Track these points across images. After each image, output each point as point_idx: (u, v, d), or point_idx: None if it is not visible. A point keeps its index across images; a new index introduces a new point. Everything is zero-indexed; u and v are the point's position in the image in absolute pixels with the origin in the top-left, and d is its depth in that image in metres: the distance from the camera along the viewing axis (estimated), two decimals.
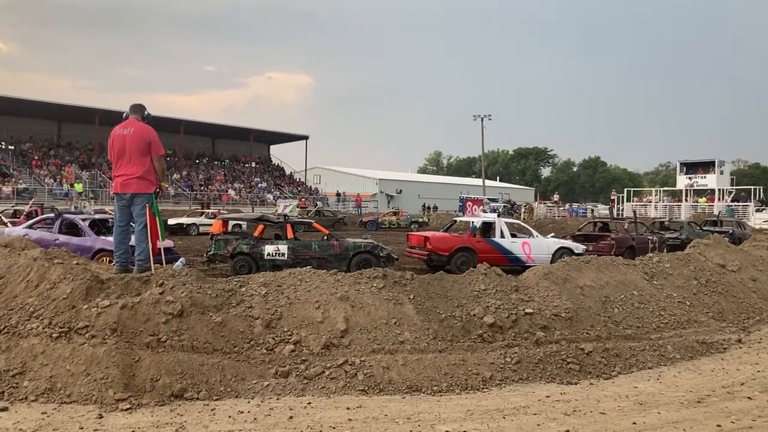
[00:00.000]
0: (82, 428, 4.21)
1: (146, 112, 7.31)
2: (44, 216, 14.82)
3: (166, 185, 9.03)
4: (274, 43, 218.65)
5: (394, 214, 37.54)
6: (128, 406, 4.62)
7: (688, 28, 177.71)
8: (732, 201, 44.93)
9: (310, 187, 60.55)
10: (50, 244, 11.01)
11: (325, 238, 12.99)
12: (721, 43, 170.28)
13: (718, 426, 4.55)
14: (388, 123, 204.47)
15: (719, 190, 46.73)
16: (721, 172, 48.23)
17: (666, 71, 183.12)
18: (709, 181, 47.92)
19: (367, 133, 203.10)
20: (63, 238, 11.90)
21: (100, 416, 4.44)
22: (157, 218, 7.39)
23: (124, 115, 7.25)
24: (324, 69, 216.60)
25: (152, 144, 7.10)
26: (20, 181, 38.85)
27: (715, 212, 36.24)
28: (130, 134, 7.02)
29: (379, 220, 35.17)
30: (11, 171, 40.23)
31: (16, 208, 24.43)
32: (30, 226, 13.19)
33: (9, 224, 16.74)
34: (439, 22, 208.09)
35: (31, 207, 21.84)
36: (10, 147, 44.10)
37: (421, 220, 36.90)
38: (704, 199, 47.75)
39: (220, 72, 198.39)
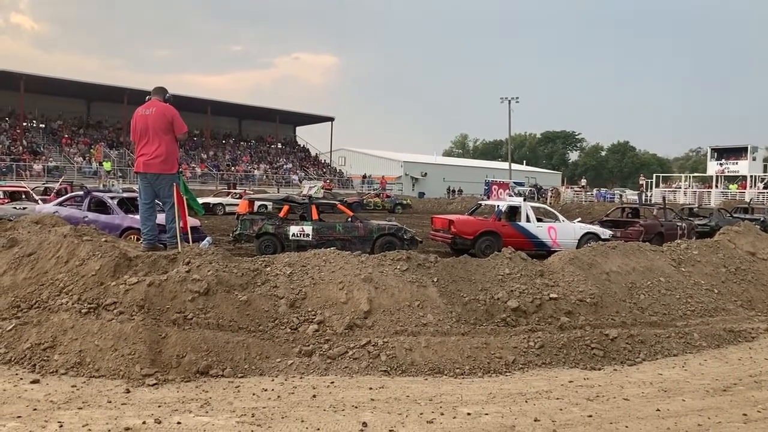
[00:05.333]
0: (110, 402, 4.30)
1: (168, 95, 7.46)
2: (74, 194, 15.04)
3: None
4: (301, 22, 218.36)
5: (377, 195, 38.25)
6: (155, 381, 4.70)
7: (722, 10, 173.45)
8: (765, 188, 44.08)
9: (335, 168, 60.64)
10: (79, 221, 11.18)
11: (350, 219, 13.03)
12: (755, 25, 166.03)
13: (744, 415, 4.49)
14: (414, 105, 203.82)
15: (751, 176, 45.85)
16: (754, 159, 47.31)
17: (698, 54, 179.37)
18: (741, 167, 47.07)
19: (392, 115, 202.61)
20: (92, 215, 12.08)
21: (128, 391, 4.53)
22: (184, 197, 7.48)
23: (147, 97, 7.38)
24: (350, 50, 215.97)
25: (174, 121, 7.22)
26: (50, 159, 39.53)
27: (746, 199, 35.60)
28: (152, 114, 7.15)
29: (364, 201, 35.81)
30: (42, 149, 40.91)
31: (46, 185, 24.86)
32: (60, 204, 13.40)
33: (39, 201, 17.04)
34: (466, 3, 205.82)
35: (60, 185, 22.24)
36: (40, 125, 44.84)
37: (404, 202, 37.75)
38: (736, 185, 46.91)
39: (247, 52, 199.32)
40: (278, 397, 4.56)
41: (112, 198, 12.50)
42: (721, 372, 5.62)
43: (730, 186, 47.33)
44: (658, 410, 4.53)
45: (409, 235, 12.87)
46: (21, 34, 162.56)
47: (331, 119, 60.06)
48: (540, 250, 13.56)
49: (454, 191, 56.84)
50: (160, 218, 7.68)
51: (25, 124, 42.99)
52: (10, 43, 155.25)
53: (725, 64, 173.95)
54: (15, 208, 15.79)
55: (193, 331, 5.27)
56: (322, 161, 60.97)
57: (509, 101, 57.85)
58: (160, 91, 7.41)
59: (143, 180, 7.37)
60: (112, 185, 29.73)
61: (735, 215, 21.45)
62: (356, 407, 4.40)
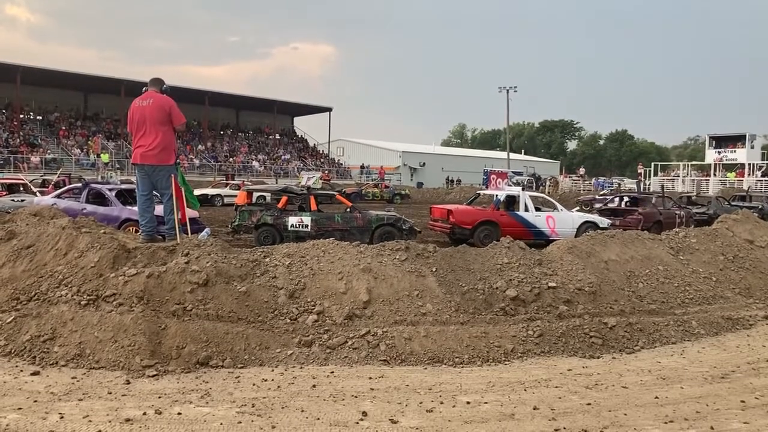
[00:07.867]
0: (110, 393, 4.31)
1: (165, 86, 7.42)
2: (72, 186, 15.01)
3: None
4: (299, 12, 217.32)
5: (376, 186, 38.38)
6: (155, 372, 4.71)
7: None
8: (763, 176, 44.11)
9: (334, 159, 60.55)
10: (78, 213, 11.16)
11: (348, 210, 13.02)
12: (754, 13, 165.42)
13: (742, 402, 4.52)
14: (413, 95, 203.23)
15: (749, 164, 45.87)
16: (752, 147, 47.40)
17: (696, 42, 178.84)
18: (739, 155, 47.16)
19: (390, 105, 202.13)
20: (90, 207, 12.06)
21: (128, 382, 4.54)
22: (182, 189, 7.47)
23: (144, 88, 7.35)
24: (349, 40, 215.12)
25: (172, 113, 7.20)
26: (48, 151, 39.41)
27: (745, 187, 35.63)
28: (149, 105, 7.12)
29: (363, 191, 35.92)
30: (39, 141, 40.78)
31: (44, 177, 24.81)
32: (58, 196, 13.38)
33: (37, 193, 17.02)
34: None
35: (59, 177, 22.20)
36: (38, 117, 44.66)
37: (403, 192, 37.87)
38: (734, 173, 46.92)
39: (244, 42, 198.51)
40: (278, 387, 4.58)
41: (110, 190, 12.47)
42: (720, 359, 5.64)
43: (729, 174, 47.34)
44: (656, 398, 4.55)
45: (407, 225, 12.86)
46: (17, 26, 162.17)
47: (329, 109, 59.92)
48: (538, 239, 13.57)
49: (452, 181, 56.78)
50: (159, 210, 7.67)
51: (22, 116, 42.82)
52: (6, 35, 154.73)
53: (723, 51, 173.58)
54: (13, 200, 15.78)
55: (192, 322, 5.27)
56: (321, 152, 60.83)
57: (507, 91, 57.72)
58: (157, 82, 7.38)
59: (141, 171, 7.36)
60: (110, 177, 29.69)
61: (733, 203, 21.45)
62: (356, 396, 4.41)
